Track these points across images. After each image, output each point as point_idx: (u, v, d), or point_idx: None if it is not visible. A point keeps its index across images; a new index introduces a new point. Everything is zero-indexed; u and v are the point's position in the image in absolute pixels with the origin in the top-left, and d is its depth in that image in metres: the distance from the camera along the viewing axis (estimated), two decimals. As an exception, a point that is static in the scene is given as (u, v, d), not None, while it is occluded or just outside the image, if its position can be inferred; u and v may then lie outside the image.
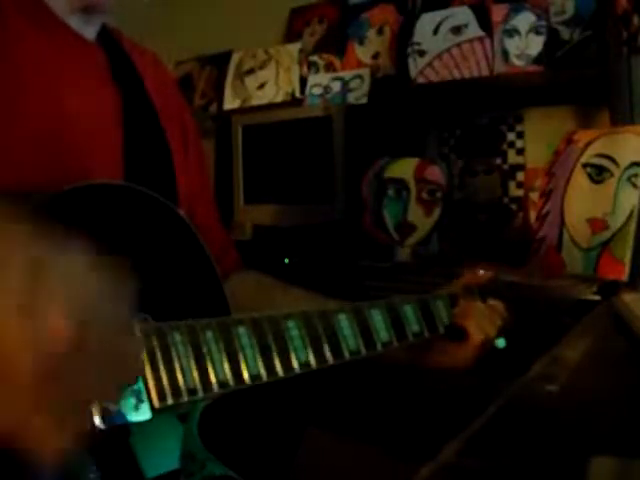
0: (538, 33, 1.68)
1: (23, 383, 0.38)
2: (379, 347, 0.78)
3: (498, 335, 0.87)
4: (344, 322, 0.75)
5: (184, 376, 0.61)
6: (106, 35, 0.86)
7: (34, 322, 0.38)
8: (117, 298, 0.43)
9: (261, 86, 2.26)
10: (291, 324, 0.70)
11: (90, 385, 0.42)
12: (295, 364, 0.69)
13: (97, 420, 0.56)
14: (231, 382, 0.64)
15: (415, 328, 0.83)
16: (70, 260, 0.41)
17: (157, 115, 0.88)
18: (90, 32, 0.83)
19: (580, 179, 1.23)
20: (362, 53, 2.04)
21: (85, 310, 0.40)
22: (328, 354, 0.72)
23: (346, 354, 0.74)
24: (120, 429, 0.59)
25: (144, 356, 0.60)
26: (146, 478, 0.61)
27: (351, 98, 1.95)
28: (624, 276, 1.12)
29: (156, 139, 0.87)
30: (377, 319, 0.79)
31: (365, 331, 0.77)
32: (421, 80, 1.84)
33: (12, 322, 0.38)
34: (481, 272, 0.92)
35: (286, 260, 1.74)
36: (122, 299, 0.43)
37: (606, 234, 1.16)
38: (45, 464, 0.41)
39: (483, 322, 0.85)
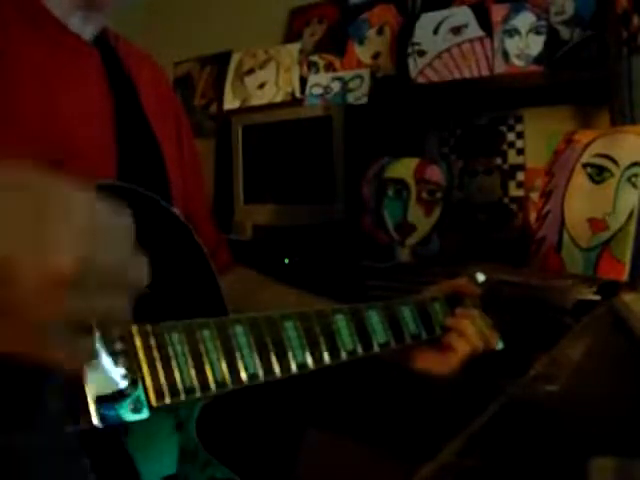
0: (538, 33, 1.68)
1: (25, 314, 0.42)
2: (376, 348, 0.78)
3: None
4: (341, 322, 0.75)
5: (181, 375, 0.61)
6: (103, 38, 0.87)
7: (39, 257, 0.41)
8: (119, 228, 0.46)
9: (261, 86, 2.26)
10: (288, 324, 0.70)
11: (93, 309, 0.45)
12: (292, 364, 0.69)
13: (94, 420, 0.56)
14: (229, 382, 0.64)
15: (413, 330, 0.83)
16: (73, 195, 0.44)
17: (148, 121, 0.88)
18: (88, 33, 0.83)
19: (580, 179, 1.23)
20: (362, 53, 2.04)
21: (88, 243, 0.43)
22: (325, 354, 0.72)
23: (343, 355, 0.74)
24: (117, 430, 0.59)
25: (141, 355, 0.60)
26: None
27: (351, 98, 1.95)
28: (624, 276, 1.12)
29: (147, 141, 0.87)
30: (374, 320, 0.79)
31: (362, 332, 0.77)
32: (421, 80, 1.84)
33: (20, 254, 0.41)
34: (480, 277, 0.92)
35: (286, 260, 1.74)
36: (123, 229, 0.46)
37: (606, 234, 1.16)
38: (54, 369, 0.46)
39: (473, 332, 0.85)
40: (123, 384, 0.58)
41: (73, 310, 0.43)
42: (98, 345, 0.58)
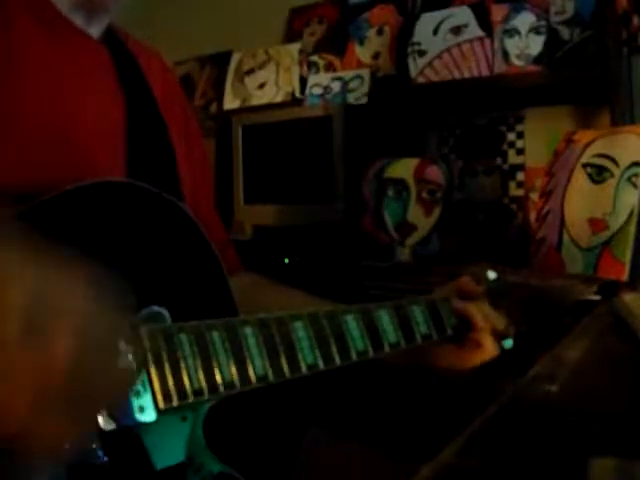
0: (538, 33, 1.68)
1: (21, 408, 0.42)
2: (387, 348, 0.77)
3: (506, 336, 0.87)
4: (351, 323, 0.74)
5: (190, 377, 0.61)
6: (111, 35, 0.86)
7: (34, 351, 0.41)
8: (115, 311, 0.46)
9: (261, 86, 2.26)
10: (298, 325, 0.69)
11: (86, 404, 0.45)
12: (302, 365, 0.68)
13: (102, 422, 0.56)
14: (237, 383, 0.64)
15: (424, 330, 0.82)
16: (67, 278, 0.44)
17: (161, 116, 0.88)
18: (94, 31, 0.83)
19: (580, 179, 1.23)
20: (362, 53, 2.04)
21: (84, 333, 0.43)
22: (335, 355, 0.71)
23: (353, 355, 0.73)
24: (127, 429, 0.59)
25: (149, 357, 0.60)
26: (156, 469, 0.61)
27: (351, 98, 1.95)
28: (624, 276, 1.12)
29: (159, 139, 0.87)
30: (385, 320, 0.78)
31: (373, 332, 0.76)
32: (421, 80, 1.84)
33: (12, 348, 0.41)
34: (491, 275, 0.92)
35: (286, 260, 1.74)
36: (121, 311, 0.46)
37: (606, 234, 1.16)
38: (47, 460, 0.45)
39: (491, 325, 0.85)
40: (135, 401, 0.58)
41: (63, 407, 0.43)
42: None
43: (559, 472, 0.41)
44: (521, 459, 0.43)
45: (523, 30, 1.70)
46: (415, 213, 1.70)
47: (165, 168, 0.86)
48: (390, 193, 1.74)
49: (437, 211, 1.69)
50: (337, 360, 0.71)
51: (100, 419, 0.56)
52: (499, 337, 0.86)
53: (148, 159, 0.83)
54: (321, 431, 1.01)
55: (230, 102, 2.32)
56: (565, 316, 0.86)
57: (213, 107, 2.43)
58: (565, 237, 1.23)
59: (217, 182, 2.23)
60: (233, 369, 0.63)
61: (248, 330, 0.66)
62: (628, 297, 0.79)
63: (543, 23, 1.68)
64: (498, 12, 1.75)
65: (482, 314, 0.85)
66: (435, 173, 1.71)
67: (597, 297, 0.86)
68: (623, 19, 1.41)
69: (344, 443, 1.01)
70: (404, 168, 1.74)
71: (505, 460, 0.42)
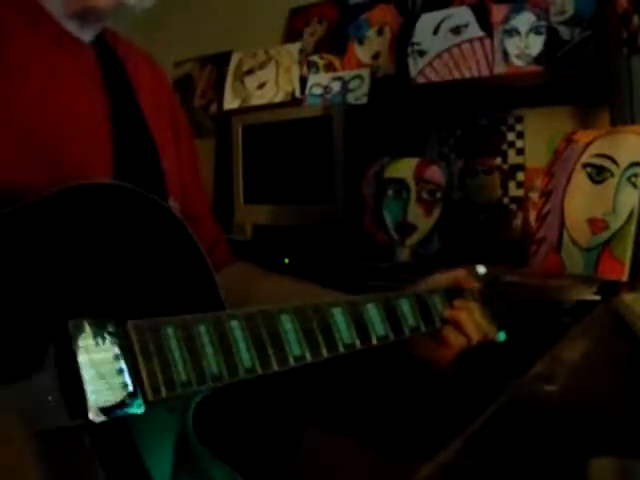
0: (538, 33, 1.68)
1: None
2: (374, 341, 0.78)
3: (498, 329, 0.87)
4: (339, 316, 0.75)
5: (177, 369, 0.61)
6: (101, 39, 0.87)
7: None
8: None
9: (261, 86, 2.26)
10: (285, 318, 0.70)
11: None
12: (289, 357, 0.69)
13: (92, 414, 0.57)
14: (225, 375, 0.64)
15: (411, 322, 0.82)
16: None
17: (144, 117, 0.89)
18: (86, 36, 0.84)
19: (580, 179, 1.23)
20: (362, 53, 2.04)
21: None
22: (322, 347, 0.72)
23: (340, 347, 0.74)
24: (119, 427, 0.59)
25: (136, 349, 0.60)
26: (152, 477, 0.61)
27: (351, 98, 1.95)
28: (624, 276, 1.12)
29: (143, 138, 0.88)
30: (372, 313, 0.79)
31: (360, 325, 0.77)
32: (421, 80, 1.84)
33: None
34: (480, 269, 0.92)
35: (286, 260, 1.74)
36: None
37: (606, 234, 1.16)
38: None
39: (470, 324, 0.85)
40: (123, 393, 0.58)
41: None
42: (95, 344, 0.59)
43: (559, 472, 0.41)
44: (521, 459, 0.43)
45: (523, 30, 1.70)
46: (415, 213, 1.70)
47: (149, 166, 0.87)
48: (390, 193, 1.74)
49: (437, 211, 1.69)
50: (324, 352, 0.72)
51: (90, 411, 0.57)
52: (484, 333, 0.86)
53: (133, 158, 0.84)
54: (320, 431, 1.01)
55: (230, 102, 2.32)
56: (565, 316, 0.86)
57: (213, 107, 2.43)
58: (565, 237, 1.23)
59: (217, 182, 2.23)
60: (220, 361, 0.64)
61: (235, 323, 0.67)
62: (628, 297, 0.79)
63: (543, 23, 1.67)
64: (498, 12, 1.75)
65: (471, 321, 0.85)
66: (435, 173, 1.71)
67: (597, 297, 0.86)
68: (623, 19, 1.41)
69: (344, 443, 1.01)
70: (404, 168, 1.74)
71: (505, 460, 0.42)
